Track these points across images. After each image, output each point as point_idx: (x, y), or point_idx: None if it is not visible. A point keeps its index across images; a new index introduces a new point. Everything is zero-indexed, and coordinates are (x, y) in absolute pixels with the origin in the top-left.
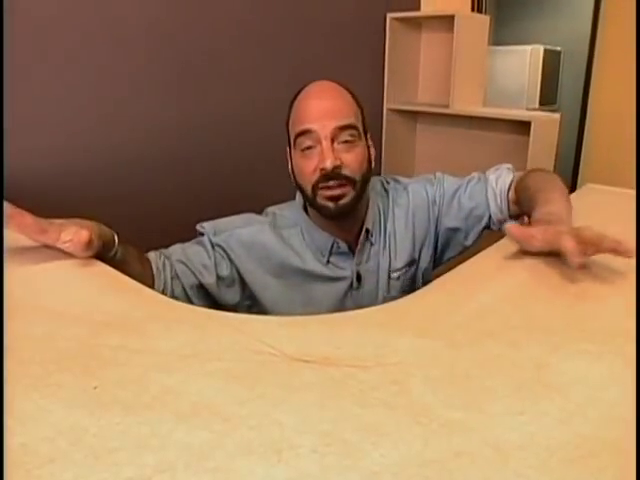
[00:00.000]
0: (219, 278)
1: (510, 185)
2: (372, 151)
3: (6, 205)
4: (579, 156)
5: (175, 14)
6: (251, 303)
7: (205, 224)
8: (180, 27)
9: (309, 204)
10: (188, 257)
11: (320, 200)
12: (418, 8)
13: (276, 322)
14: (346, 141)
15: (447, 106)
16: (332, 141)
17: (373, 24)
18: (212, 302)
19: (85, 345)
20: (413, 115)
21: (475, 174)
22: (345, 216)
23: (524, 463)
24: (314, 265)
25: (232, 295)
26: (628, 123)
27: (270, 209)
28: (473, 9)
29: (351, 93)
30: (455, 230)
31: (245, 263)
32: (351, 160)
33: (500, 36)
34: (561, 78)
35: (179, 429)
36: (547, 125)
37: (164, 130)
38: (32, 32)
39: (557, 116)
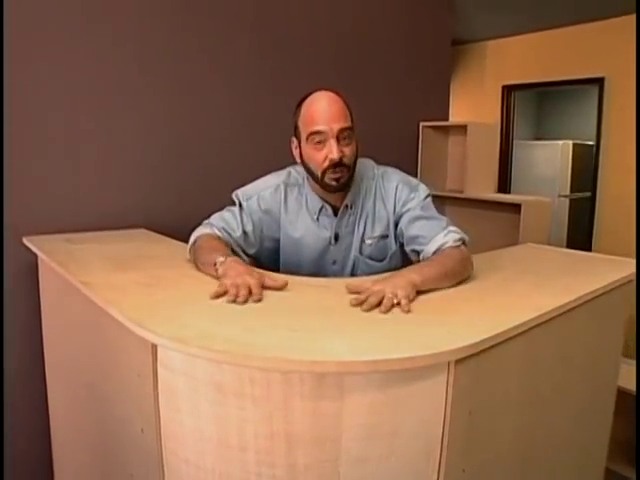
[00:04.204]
0: (244, 233)
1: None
2: (357, 144)
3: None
4: (592, 230)
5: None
6: (267, 253)
7: (239, 192)
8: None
9: (315, 181)
10: (227, 223)
11: (327, 180)
12: (447, 118)
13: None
14: (345, 138)
15: (462, 192)
16: (337, 139)
17: (409, 130)
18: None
19: None
20: (442, 199)
21: (444, 224)
22: (341, 190)
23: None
24: (307, 222)
25: (252, 247)
26: (629, 201)
27: (289, 168)
28: (502, 116)
29: (345, 101)
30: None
31: (264, 222)
32: (348, 152)
33: (545, 130)
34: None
35: None
36: (538, 207)
37: None
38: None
39: (548, 200)
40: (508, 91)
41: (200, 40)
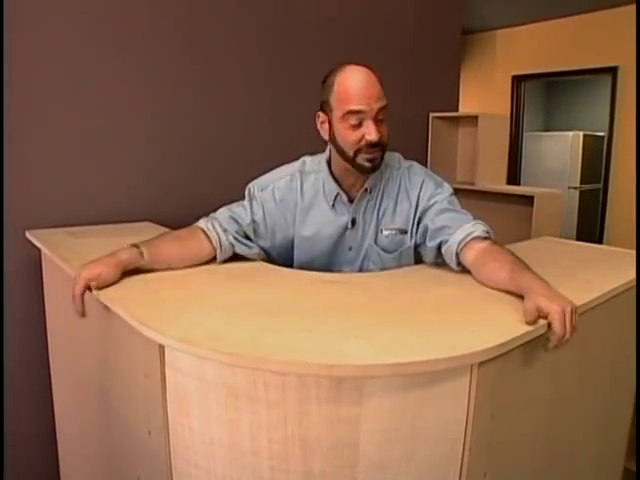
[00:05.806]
0: (254, 221)
1: (467, 241)
2: None
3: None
4: (603, 222)
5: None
6: (280, 250)
7: (254, 183)
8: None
9: (346, 160)
10: (233, 212)
11: (360, 160)
12: (457, 109)
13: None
14: (382, 117)
15: (473, 184)
16: (375, 118)
17: (419, 120)
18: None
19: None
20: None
21: (470, 217)
22: (374, 171)
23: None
24: (324, 208)
25: (263, 239)
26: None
27: (304, 157)
28: (512, 107)
29: (379, 76)
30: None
31: (277, 212)
32: (384, 132)
33: (554, 121)
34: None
35: None
36: (550, 199)
37: None
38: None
39: (560, 192)
40: (518, 81)
41: (207, 30)
